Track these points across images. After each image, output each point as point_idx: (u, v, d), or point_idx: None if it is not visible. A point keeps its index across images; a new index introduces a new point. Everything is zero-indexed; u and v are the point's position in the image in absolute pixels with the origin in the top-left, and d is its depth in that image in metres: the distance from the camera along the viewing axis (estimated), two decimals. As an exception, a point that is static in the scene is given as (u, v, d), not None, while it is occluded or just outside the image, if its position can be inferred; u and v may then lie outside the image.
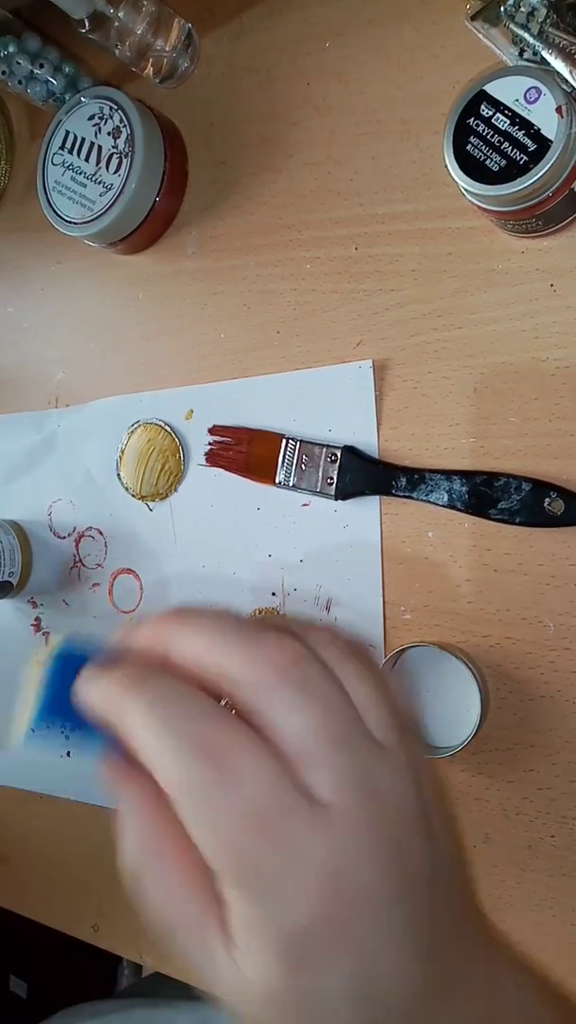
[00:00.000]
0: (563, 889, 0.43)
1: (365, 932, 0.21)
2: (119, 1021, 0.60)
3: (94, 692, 0.24)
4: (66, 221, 0.54)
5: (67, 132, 0.54)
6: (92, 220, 0.53)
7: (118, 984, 1.14)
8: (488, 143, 0.38)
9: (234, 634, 0.23)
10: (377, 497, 0.48)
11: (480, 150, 0.38)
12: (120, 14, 0.50)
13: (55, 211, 0.55)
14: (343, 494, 0.48)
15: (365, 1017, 0.22)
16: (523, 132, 0.37)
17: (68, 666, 0.25)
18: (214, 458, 0.53)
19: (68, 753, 0.59)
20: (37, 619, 0.63)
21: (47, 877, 0.64)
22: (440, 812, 0.24)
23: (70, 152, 0.54)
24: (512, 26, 0.41)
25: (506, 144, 0.37)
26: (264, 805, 0.21)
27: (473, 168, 0.38)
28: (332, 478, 0.48)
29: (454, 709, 0.44)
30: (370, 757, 0.22)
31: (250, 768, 0.21)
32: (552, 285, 0.43)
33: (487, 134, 0.38)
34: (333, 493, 0.48)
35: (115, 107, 0.53)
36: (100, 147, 0.53)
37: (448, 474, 0.45)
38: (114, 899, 0.59)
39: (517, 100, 0.37)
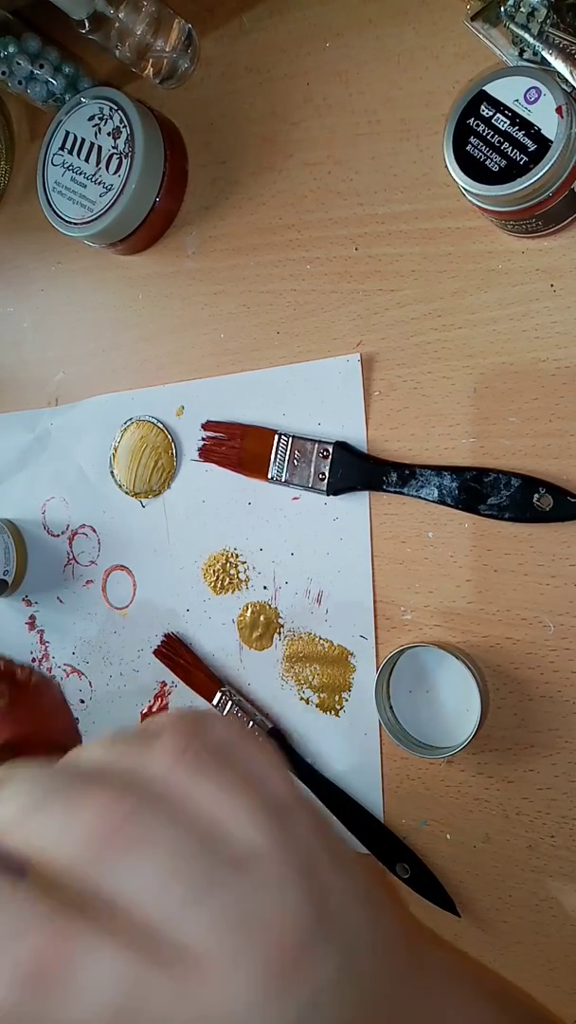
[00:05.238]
0: (563, 889, 0.43)
1: None
2: None
3: None
4: (66, 221, 0.54)
5: (67, 132, 0.54)
6: (92, 220, 0.53)
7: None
8: (488, 143, 0.38)
9: (45, 802, 0.19)
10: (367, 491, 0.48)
11: (480, 150, 0.38)
12: (120, 15, 0.50)
13: (55, 211, 0.55)
14: (334, 490, 0.48)
15: None
16: (523, 132, 0.37)
17: None
18: (207, 453, 0.53)
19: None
20: (32, 617, 0.63)
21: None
22: (350, 876, 0.21)
23: (70, 152, 0.54)
24: (512, 26, 0.41)
25: (506, 144, 0.38)
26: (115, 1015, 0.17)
27: (473, 168, 0.38)
28: (324, 473, 0.48)
29: (454, 709, 0.44)
30: (238, 885, 0.19)
31: (93, 976, 0.17)
32: (552, 285, 0.43)
33: (487, 134, 0.38)
34: (325, 488, 0.48)
35: (115, 107, 0.53)
36: (100, 147, 0.53)
37: (438, 470, 0.45)
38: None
39: (517, 100, 0.37)
